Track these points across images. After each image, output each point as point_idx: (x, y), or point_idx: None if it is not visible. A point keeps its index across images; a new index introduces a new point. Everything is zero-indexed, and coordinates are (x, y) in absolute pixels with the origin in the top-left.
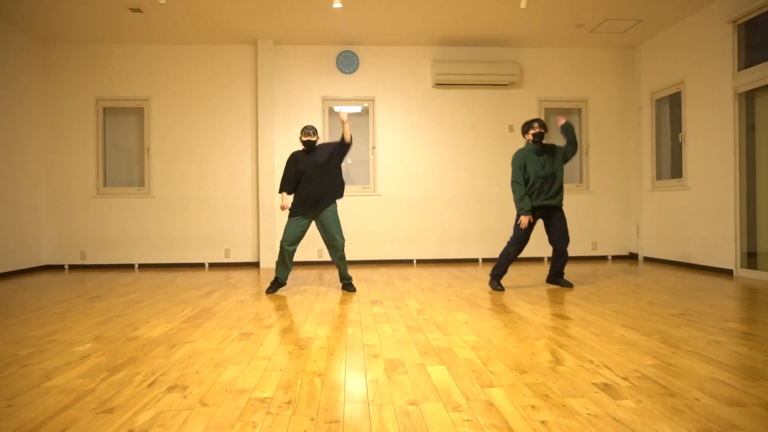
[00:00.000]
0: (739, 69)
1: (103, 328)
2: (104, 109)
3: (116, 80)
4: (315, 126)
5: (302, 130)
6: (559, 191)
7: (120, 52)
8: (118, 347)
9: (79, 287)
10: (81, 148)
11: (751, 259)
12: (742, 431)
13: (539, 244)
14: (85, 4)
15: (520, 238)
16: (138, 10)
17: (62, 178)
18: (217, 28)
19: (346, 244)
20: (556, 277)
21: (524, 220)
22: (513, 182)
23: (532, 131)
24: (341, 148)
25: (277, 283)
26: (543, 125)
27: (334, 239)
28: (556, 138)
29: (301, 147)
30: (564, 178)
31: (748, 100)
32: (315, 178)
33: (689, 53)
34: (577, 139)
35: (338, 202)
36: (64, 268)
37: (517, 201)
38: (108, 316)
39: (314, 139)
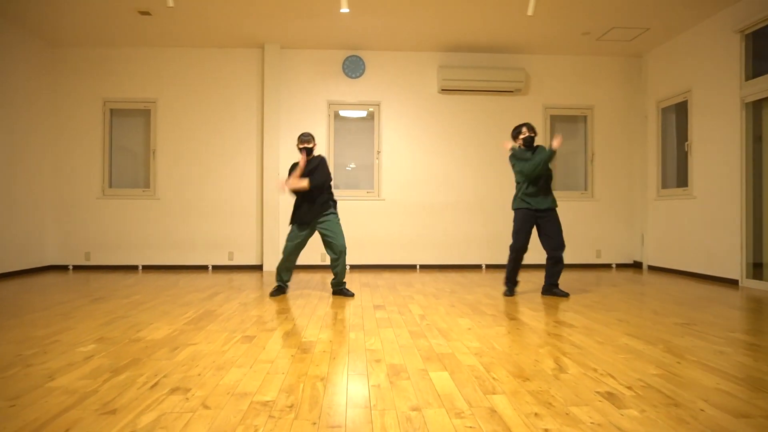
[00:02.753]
0: (746, 79)
1: (106, 330)
2: (111, 110)
3: (124, 82)
4: (311, 132)
5: (299, 137)
6: (549, 192)
7: (128, 54)
8: (121, 349)
9: (83, 288)
10: (87, 149)
11: (756, 269)
12: None
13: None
14: (95, 6)
15: (517, 243)
16: (147, 13)
17: (68, 179)
18: (225, 31)
19: (350, 248)
20: (551, 287)
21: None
22: (517, 171)
23: (521, 136)
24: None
25: (279, 288)
26: (532, 129)
27: (334, 251)
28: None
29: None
30: (565, 185)
31: (756, 110)
32: (309, 193)
33: (696, 62)
34: (544, 162)
35: (341, 206)
36: (69, 269)
37: (534, 164)
38: (111, 317)
39: (310, 146)
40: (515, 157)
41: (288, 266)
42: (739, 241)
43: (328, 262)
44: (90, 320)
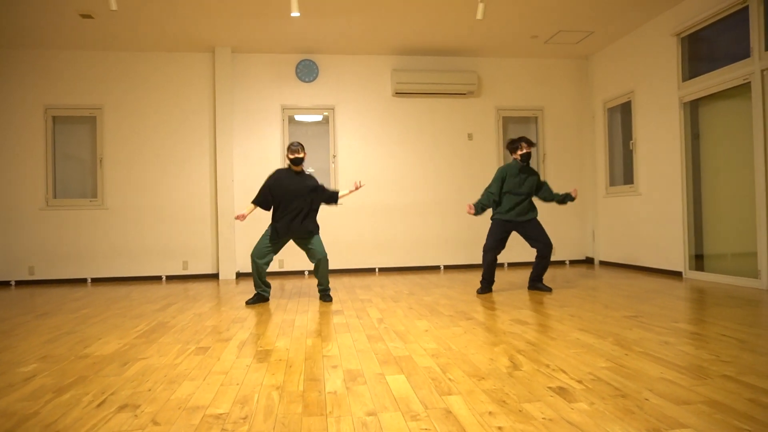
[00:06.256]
0: (684, 80)
1: (50, 347)
2: (53, 117)
3: (67, 88)
4: (301, 142)
5: (288, 147)
6: (531, 209)
7: (71, 58)
8: (67, 366)
9: (27, 304)
10: (29, 158)
11: (698, 261)
12: (687, 429)
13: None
14: (32, 7)
15: (490, 244)
16: (89, 17)
17: (8, 190)
18: (173, 35)
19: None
20: (534, 281)
21: (469, 208)
22: (487, 189)
23: (519, 151)
24: (326, 200)
25: (258, 296)
26: (530, 143)
27: (314, 258)
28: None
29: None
30: None
31: (693, 109)
32: (297, 208)
33: (638, 64)
34: (561, 201)
35: None
36: (11, 285)
37: (481, 198)
38: (57, 333)
39: (302, 156)
40: (506, 172)
41: (263, 271)
42: (681, 234)
43: (286, 268)
44: (33, 337)
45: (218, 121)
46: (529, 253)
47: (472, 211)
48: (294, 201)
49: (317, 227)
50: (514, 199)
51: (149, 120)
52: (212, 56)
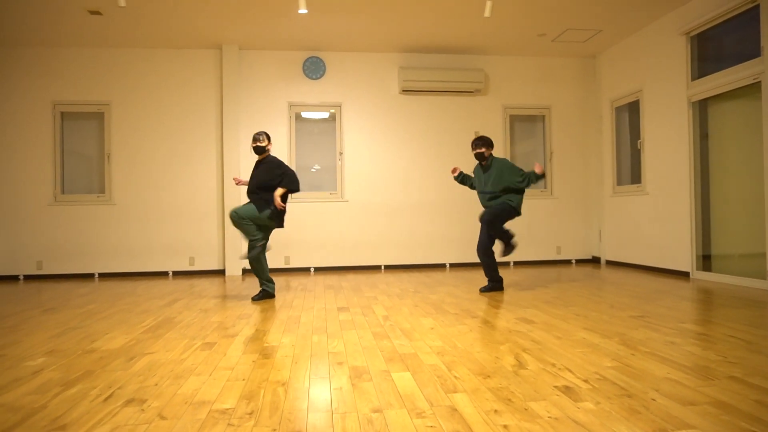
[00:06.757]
0: (693, 79)
1: (57, 341)
2: (62, 113)
3: (75, 84)
4: (267, 132)
5: (252, 136)
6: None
7: (79, 55)
8: (74, 361)
9: (34, 299)
10: (37, 153)
11: (705, 261)
12: (694, 429)
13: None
14: (42, 5)
15: (478, 243)
16: (97, 13)
17: (17, 185)
18: (181, 32)
19: (314, 250)
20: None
21: (454, 170)
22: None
23: (474, 151)
24: (283, 184)
25: (264, 293)
26: (480, 145)
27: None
28: (522, 145)
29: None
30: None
31: (702, 108)
32: (251, 186)
33: (646, 63)
34: (531, 184)
35: (304, 206)
36: (19, 279)
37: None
38: (64, 328)
39: (263, 144)
40: (475, 169)
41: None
42: (689, 234)
43: (292, 265)
44: (40, 332)
45: (225, 118)
46: (534, 253)
47: (456, 174)
48: (252, 182)
49: (263, 208)
50: (482, 197)
51: (156, 116)
52: (219, 53)
